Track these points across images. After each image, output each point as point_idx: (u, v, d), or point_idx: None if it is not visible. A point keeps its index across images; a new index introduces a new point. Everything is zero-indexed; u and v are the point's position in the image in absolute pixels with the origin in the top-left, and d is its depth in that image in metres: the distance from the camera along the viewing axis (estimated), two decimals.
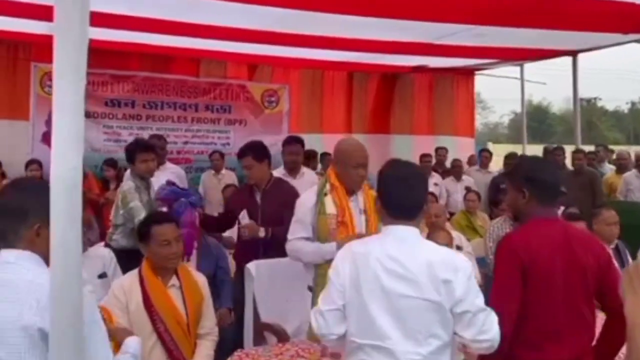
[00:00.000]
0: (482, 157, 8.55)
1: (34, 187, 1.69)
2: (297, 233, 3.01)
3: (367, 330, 1.90)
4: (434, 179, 7.13)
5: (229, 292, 3.74)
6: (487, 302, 1.94)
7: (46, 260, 1.48)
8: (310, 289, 2.99)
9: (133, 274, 2.84)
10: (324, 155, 7.62)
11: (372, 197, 3.09)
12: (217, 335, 2.91)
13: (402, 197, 1.99)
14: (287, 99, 8.32)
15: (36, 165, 6.38)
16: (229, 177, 7.13)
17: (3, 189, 1.89)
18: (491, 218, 6.30)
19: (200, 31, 5.57)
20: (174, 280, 2.80)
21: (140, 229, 2.90)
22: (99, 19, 5.11)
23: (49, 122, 6.85)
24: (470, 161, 8.88)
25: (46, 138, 6.91)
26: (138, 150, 4.18)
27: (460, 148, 8.98)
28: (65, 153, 1.30)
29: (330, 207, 2.93)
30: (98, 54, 7.04)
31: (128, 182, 4.21)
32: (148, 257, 2.83)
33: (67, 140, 1.30)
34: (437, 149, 8.35)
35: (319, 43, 6.11)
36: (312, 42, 6.02)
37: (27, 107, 6.82)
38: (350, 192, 3.00)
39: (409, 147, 8.56)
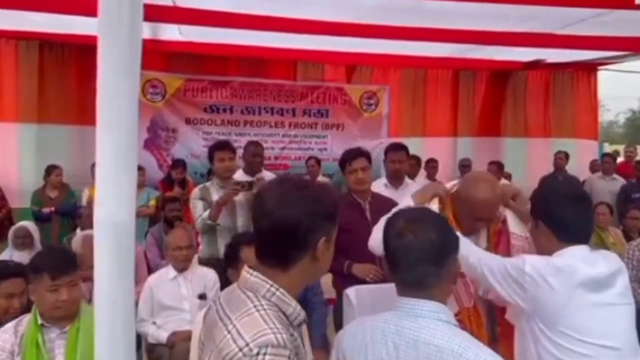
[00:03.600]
0: (604, 163, 7.46)
1: (440, 221, 1.53)
2: None
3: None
4: None
5: (323, 326, 3.30)
6: None
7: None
8: None
9: None
10: (430, 162, 7.12)
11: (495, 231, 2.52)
12: None
13: (582, 219, 1.85)
14: (386, 100, 7.89)
15: (141, 171, 6.45)
16: None
17: (402, 226, 1.47)
18: (624, 233, 5.55)
19: (295, 26, 5.26)
20: None
21: (228, 252, 2.61)
22: (193, 16, 5.00)
23: (150, 129, 7.09)
24: (594, 167, 7.89)
25: (148, 144, 7.04)
26: (215, 148, 4.10)
27: (581, 151, 8.03)
28: (111, 194, 0.96)
29: None
30: (196, 59, 7.06)
31: (207, 183, 4.20)
32: None
33: (115, 175, 0.97)
34: (556, 153, 7.50)
35: (422, 35, 5.56)
36: (414, 34, 5.50)
37: None
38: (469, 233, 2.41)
39: (522, 151, 7.84)
